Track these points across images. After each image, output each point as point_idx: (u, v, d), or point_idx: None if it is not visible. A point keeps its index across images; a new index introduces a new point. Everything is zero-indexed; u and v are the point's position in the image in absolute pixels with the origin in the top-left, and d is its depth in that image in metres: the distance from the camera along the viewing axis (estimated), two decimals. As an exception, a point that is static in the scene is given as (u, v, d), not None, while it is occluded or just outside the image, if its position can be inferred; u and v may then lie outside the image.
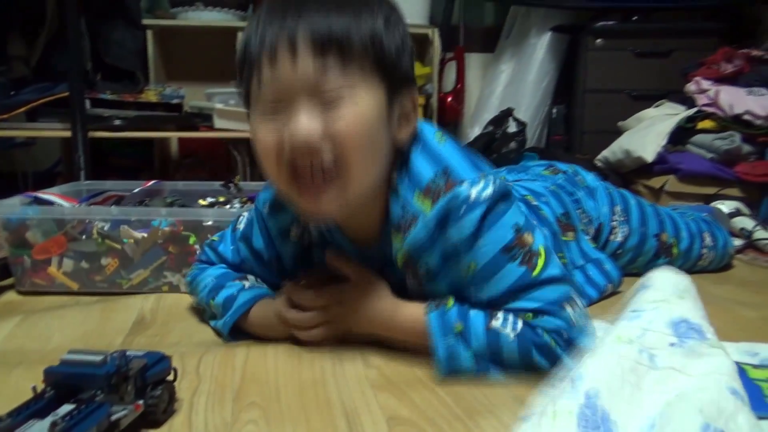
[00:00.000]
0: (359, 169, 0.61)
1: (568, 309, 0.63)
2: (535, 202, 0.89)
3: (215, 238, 0.85)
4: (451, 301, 0.67)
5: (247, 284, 0.78)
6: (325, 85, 0.58)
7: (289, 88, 0.59)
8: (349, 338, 0.72)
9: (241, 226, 0.81)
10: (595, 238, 0.99)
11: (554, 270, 0.65)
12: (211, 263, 0.83)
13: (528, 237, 0.65)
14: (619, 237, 1.01)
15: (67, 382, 0.49)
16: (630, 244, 1.01)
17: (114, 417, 0.48)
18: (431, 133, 0.68)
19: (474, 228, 0.63)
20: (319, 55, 0.58)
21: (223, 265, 0.82)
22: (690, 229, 1.07)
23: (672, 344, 0.53)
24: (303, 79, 0.58)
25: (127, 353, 0.52)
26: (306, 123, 0.58)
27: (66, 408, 0.47)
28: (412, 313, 0.68)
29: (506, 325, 0.63)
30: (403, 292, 0.71)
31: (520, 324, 0.63)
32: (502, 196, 0.65)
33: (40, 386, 0.50)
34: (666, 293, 0.60)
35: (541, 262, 0.64)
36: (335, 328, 0.71)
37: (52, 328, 0.81)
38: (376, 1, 0.62)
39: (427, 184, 0.64)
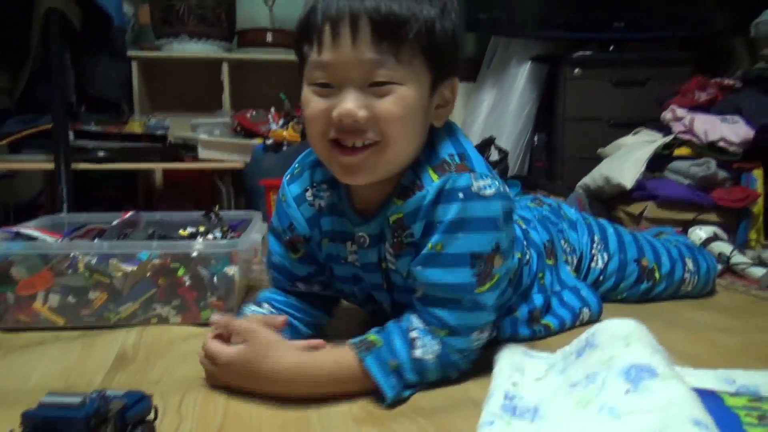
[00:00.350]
0: (397, 149, 0.66)
1: (476, 334, 0.70)
2: (524, 226, 0.93)
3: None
4: (373, 337, 0.68)
5: (250, 308, 0.81)
6: (377, 73, 0.63)
7: (344, 70, 0.63)
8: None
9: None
10: (578, 267, 1.02)
11: (490, 299, 0.70)
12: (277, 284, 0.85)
13: (498, 260, 0.69)
14: (599, 264, 1.04)
15: (45, 426, 0.48)
16: (611, 270, 1.05)
17: (93, 460, 0.47)
18: (459, 129, 0.74)
19: (457, 217, 0.66)
20: (377, 41, 0.62)
21: (273, 289, 0.84)
22: (671, 254, 1.09)
23: (627, 391, 0.55)
24: (358, 65, 0.62)
25: (107, 394, 0.52)
26: (355, 107, 0.63)
27: None
28: (331, 360, 0.67)
29: (427, 351, 0.68)
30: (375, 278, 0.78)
31: (436, 346, 0.68)
32: (505, 215, 0.69)
33: (18, 429, 0.49)
34: (613, 348, 0.63)
35: (488, 285, 0.69)
36: (240, 384, 0.68)
37: (32, 366, 0.79)
38: None
39: (442, 159, 0.69)
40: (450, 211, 0.66)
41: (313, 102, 0.66)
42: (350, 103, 0.63)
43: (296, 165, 0.81)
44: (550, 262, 0.93)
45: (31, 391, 0.71)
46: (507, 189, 0.72)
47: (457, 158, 0.69)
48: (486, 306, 0.70)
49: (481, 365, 0.74)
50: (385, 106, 0.63)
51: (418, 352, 0.67)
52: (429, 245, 0.68)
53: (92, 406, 0.49)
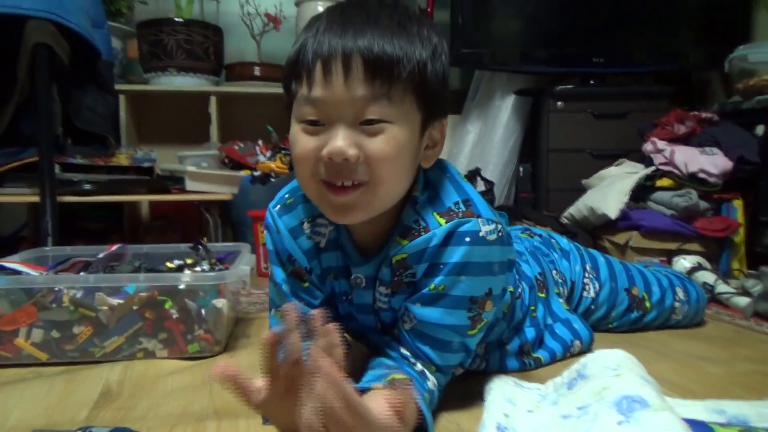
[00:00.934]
0: (387, 189, 0.66)
1: (455, 371, 0.74)
2: (516, 260, 0.92)
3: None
4: (399, 375, 0.65)
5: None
6: (369, 112, 0.62)
7: (335, 107, 0.62)
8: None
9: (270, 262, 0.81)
10: (569, 296, 1.03)
11: (475, 342, 0.72)
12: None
13: (489, 305, 0.70)
14: (591, 293, 1.05)
15: None
16: (602, 298, 1.05)
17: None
18: (455, 170, 0.75)
19: (462, 260, 0.66)
20: (369, 79, 0.61)
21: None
22: (661, 283, 1.10)
23: (620, 422, 0.55)
24: (349, 101, 0.62)
25: (92, 430, 0.51)
26: (345, 146, 0.62)
27: None
28: (387, 410, 0.57)
29: (433, 384, 0.69)
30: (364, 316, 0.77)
31: (435, 381, 0.69)
32: (502, 262, 0.70)
33: None
34: (603, 379, 0.64)
35: (478, 328, 0.71)
36: None
37: (12, 403, 0.77)
38: (428, 33, 0.66)
39: (448, 207, 0.69)
40: (456, 254, 0.67)
41: (302, 140, 0.64)
42: (340, 141, 0.61)
43: (286, 195, 0.79)
44: (542, 295, 0.94)
45: (11, 430, 0.69)
46: (508, 233, 0.72)
47: (462, 206, 0.69)
48: (470, 348, 0.72)
49: (471, 397, 0.74)
50: (376, 145, 0.62)
51: (430, 384, 0.68)
52: (431, 286, 0.68)
53: None
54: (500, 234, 0.69)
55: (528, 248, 1.01)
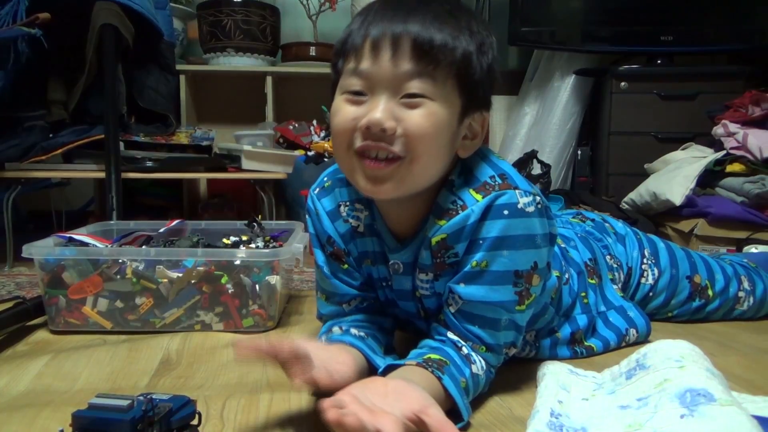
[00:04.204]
0: (422, 166, 0.65)
1: (506, 351, 0.71)
2: (563, 245, 0.90)
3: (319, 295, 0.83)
4: (435, 356, 0.65)
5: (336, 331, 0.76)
6: (411, 86, 0.63)
7: (379, 78, 0.63)
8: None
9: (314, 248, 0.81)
10: (626, 283, 0.99)
11: (525, 318, 0.70)
12: (328, 312, 0.81)
13: (536, 279, 0.69)
14: (649, 280, 1.01)
15: (94, 427, 0.50)
16: (661, 285, 1.01)
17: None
18: (489, 151, 0.74)
19: (501, 234, 0.65)
20: (415, 59, 0.62)
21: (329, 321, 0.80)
22: (725, 271, 1.05)
23: (683, 416, 0.53)
24: (394, 75, 0.63)
25: (153, 397, 0.52)
26: (384, 117, 0.62)
27: None
28: (420, 378, 0.61)
29: (479, 368, 0.67)
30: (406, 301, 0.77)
31: (484, 363, 0.68)
32: (551, 236, 0.69)
33: (68, 429, 0.50)
34: (665, 371, 0.62)
35: (526, 303, 0.69)
36: None
37: (80, 368, 0.82)
38: (477, 27, 0.66)
39: (483, 181, 0.68)
40: (494, 228, 0.66)
41: (342, 110, 0.65)
42: (379, 113, 0.62)
43: (325, 178, 0.80)
44: (593, 282, 0.91)
45: (79, 392, 0.73)
46: (548, 206, 0.70)
47: (498, 179, 0.68)
48: (520, 326, 0.70)
49: (524, 382, 0.73)
50: (415, 119, 0.63)
51: (474, 368, 0.67)
52: (473, 263, 0.67)
53: (139, 410, 0.50)
54: (539, 206, 0.67)
55: (579, 233, 0.97)
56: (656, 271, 1.01)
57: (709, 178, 1.70)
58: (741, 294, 1.05)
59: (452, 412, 0.61)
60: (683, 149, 1.89)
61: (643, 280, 1.00)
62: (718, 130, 1.75)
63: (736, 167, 1.66)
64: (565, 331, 0.84)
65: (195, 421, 0.56)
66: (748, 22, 2.16)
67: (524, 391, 0.72)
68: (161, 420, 0.51)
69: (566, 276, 0.85)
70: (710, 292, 1.04)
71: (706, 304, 1.03)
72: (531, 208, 0.66)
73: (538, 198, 0.68)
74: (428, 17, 0.63)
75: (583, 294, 0.88)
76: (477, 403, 0.68)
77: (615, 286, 0.95)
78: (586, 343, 0.86)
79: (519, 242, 0.66)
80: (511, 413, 0.67)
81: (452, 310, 0.69)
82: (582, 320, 0.86)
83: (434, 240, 0.69)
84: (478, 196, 0.67)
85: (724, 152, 1.70)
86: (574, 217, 1.06)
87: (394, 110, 0.63)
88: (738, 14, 2.18)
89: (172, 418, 0.53)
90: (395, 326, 0.83)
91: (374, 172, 0.64)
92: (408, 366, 0.64)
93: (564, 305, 0.84)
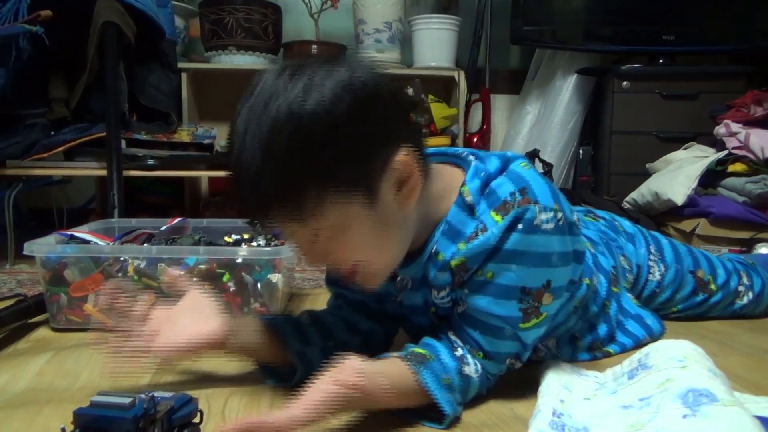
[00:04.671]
0: (380, 262, 0.65)
1: (509, 361, 0.69)
2: (593, 250, 0.89)
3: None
4: (421, 350, 0.66)
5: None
6: (307, 232, 0.60)
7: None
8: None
9: None
10: (635, 280, 0.99)
11: (531, 336, 0.68)
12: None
13: (547, 298, 0.66)
14: (656, 276, 1.01)
15: (95, 425, 0.50)
16: (667, 281, 1.01)
17: (140, 460, 0.48)
18: (516, 162, 0.68)
19: (513, 248, 0.63)
20: (284, 216, 0.59)
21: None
22: (725, 266, 1.06)
23: (685, 416, 0.53)
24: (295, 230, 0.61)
25: (155, 395, 0.52)
26: (312, 261, 0.65)
27: None
28: (386, 371, 0.62)
29: (472, 370, 0.66)
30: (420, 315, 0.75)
31: (479, 366, 0.67)
32: (575, 253, 0.68)
33: (69, 427, 0.50)
34: (668, 371, 0.62)
35: (534, 321, 0.67)
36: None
37: (81, 366, 0.82)
38: (303, 135, 0.55)
39: (503, 199, 0.64)
40: (508, 241, 0.63)
41: None
42: (308, 256, 0.64)
43: None
44: (615, 290, 0.90)
45: (80, 390, 0.73)
46: (571, 222, 0.66)
47: (518, 195, 0.64)
48: (525, 342, 0.68)
49: (526, 382, 0.73)
50: (333, 254, 0.62)
51: (466, 369, 0.66)
52: (479, 271, 0.65)
53: (141, 407, 0.50)
54: (561, 222, 0.64)
55: (601, 237, 0.95)
56: (662, 267, 1.01)
57: (711, 177, 1.69)
58: (741, 288, 1.06)
59: (436, 407, 0.62)
60: (685, 149, 1.89)
61: (650, 277, 1.00)
62: (720, 129, 1.75)
63: (738, 167, 1.66)
64: (586, 339, 0.84)
65: (197, 419, 0.56)
66: (751, 22, 2.16)
67: (526, 391, 0.71)
68: (163, 418, 0.51)
69: (595, 283, 0.84)
70: (713, 286, 1.04)
71: (709, 298, 1.04)
72: (550, 225, 0.63)
73: (560, 214, 0.64)
74: (259, 174, 0.56)
75: (606, 303, 0.86)
76: (478, 402, 0.68)
77: (629, 295, 0.94)
78: (604, 349, 0.86)
79: (531, 259, 0.64)
80: (513, 413, 0.67)
81: (459, 311, 0.69)
82: (602, 329, 0.86)
83: (453, 263, 0.67)
84: (498, 217, 0.64)
85: (726, 152, 1.69)
86: (586, 215, 1.05)
87: (318, 248, 0.62)
88: (740, 14, 2.17)
89: (173, 415, 0.53)
90: (376, 330, 0.81)
91: (353, 280, 0.66)
92: (390, 358, 0.64)
93: (590, 312, 0.83)
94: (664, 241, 1.04)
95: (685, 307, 1.04)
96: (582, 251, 0.70)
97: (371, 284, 0.67)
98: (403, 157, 0.60)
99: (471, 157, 0.70)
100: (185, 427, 0.54)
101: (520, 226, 0.63)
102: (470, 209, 0.66)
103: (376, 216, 0.61)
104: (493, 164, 0.68)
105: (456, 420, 0.64)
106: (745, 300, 1.07)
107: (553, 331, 0.78)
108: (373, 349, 0.74)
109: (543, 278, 0.65)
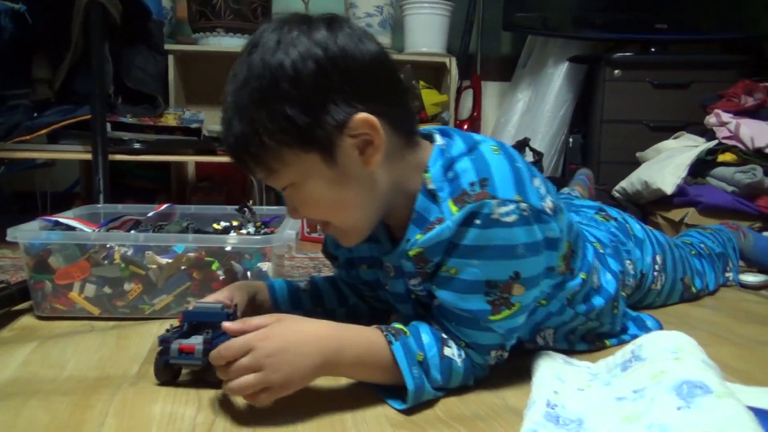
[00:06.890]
0: (348, 219, 0.68)
1: (494, 353, 0.69)
2: (602, 251, 0.88)
3: None
4: (401, 326, 0.67)
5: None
6: (274, 185, 0.67)
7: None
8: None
9: None
10: (638, 288, 0.99)
11: (504, 327, 0.67)
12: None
13: (518, 289, 0.65)
14: (658, 286, 1.03)
15: (200, 320, 0.69)
16: (665, 291, 1.05)
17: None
18: (487, 144, 0.68)
19: (473, 243, 0.63)
20: (245, 167, 0.65)
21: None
22: (701, 268, 1.14)
23: (679, 408, 0.53)
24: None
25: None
26: (288, 212, 0.71)
27: (199, 337, 0.67)
28: (364, 337, 0.65)
29: (454, 353, 0.67)
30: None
31: (463, 352, 0.67)
32: (547, 241, 0.66)
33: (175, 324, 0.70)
34: (662, 362, 0.62)
35: (506, 313, 0.66)
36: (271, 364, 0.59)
37: (68, 355, 0.80)
38: (265, 88, 0.60)
39: (462, 190, 0.64)
40: (467, 237, 0.63)
41: None
42: (286, 212, 0.72)
43: None
44: (623, 294, 0.89)
45: (67, 380, 0.71)
46: (538, 210, 0.65)
47: (477, 187, 0.63)
48: (501, 333, 0.67)
49: (518, 372, 0.72)
50: (302, 206, 0.68)
51: (447, 351, 0.66)
52: (443, 267, 0.66)
53: (225, 309, 0.70)
54: (525, 212, 0.63)
55: (611, 239, 0.93)
56: (664, 277, 1.03)
57: (700, 167, 1.70)
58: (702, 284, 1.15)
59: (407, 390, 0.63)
60: (675, 138, 1.89)
61: (653, 286, 1.02)
62: (710, 119, 1.75)
63: (727, 157, 1.67)
64: (590, 334, 0.83)
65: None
66: (743, 11, 2.16)
67: (518, 381, 0.71)
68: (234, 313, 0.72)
69: (599, 280, 0.82)
70: (693, 289, 1.11)
71: (684, 293, 1.11)
72: (511, 218, 0.62)
73: (524, 204, 0.63)
74: (228, 125, 0.64)
75: (615, 303, 0.84)
76: (469, 393, 0.68)
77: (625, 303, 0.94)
78: (604, 341, 0.85)
79: (493, 252, 0.63)
80: (505, 403, 0.67)
81: (435, 303, 0.69)
82: (611, 328, 0.85)
83: (411, 253, 0.67)
84: (455, 209, 0.63)
85: (716, 141, 1.70)
86: (597, 214, 1.02)
87: (293, 201, 0.68)
88: (733, 3, 2.17)
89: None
90: (362, 306, 0.88)
91: (327, 234, 0.73)
92: (371, 327, 0.67)
93: (596, 307, 0.80)
94: (666, 249, 1.04)
95: (666, 302, 1.08)
96: (556, 238, 0.68)
97: (345, 243, 0.73)
98: (363, 117, 0.62)
99: (437, 137, 0.70)
100: (235, 317, 0.71)
101: (477, 221, 0.62)
102: (432, 196, 0.66)
103: (335, 174, 0.63)
104: (457, 147, 0.68)
105: (449, 411, 0.64)
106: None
107: (546, 321, 0.78)
108: (357, 321, 0.74)
109: (509, 270, 0.64)
